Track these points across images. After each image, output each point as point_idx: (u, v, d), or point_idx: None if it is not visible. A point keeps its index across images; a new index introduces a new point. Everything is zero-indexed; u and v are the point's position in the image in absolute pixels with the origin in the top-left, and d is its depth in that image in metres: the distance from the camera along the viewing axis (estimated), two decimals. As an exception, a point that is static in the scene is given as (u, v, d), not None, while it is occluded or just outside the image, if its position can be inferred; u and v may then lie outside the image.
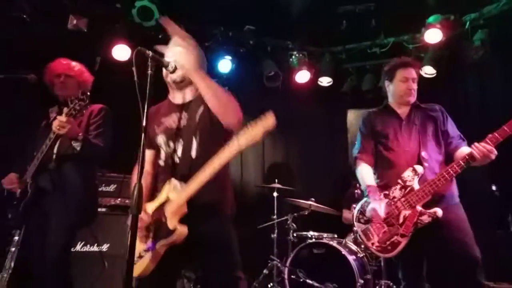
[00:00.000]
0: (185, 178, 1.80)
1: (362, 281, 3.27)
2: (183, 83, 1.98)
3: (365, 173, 2.45)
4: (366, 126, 2.57)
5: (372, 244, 2.36)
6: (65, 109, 2.27)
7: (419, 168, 2.28)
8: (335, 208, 4.17)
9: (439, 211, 2.18)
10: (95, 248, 3.14)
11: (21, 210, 2.41)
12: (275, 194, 4.23)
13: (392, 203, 2.31)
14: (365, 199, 2.47)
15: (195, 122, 1.92)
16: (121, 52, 3.98)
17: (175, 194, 1.79)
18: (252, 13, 4.45)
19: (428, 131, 2.40)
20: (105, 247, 3.16)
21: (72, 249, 3.07)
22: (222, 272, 1.82)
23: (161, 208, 1.83)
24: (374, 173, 2.48)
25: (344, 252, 3.36)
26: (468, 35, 4.18)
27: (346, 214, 4.27)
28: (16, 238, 2.61)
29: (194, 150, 1.88)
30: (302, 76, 4.83)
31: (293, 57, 4.84)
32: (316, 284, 3.35)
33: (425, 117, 2.45)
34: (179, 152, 1.89)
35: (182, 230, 1.75)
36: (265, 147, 5.29)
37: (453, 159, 2.34)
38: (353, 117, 5.43)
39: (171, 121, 1.96)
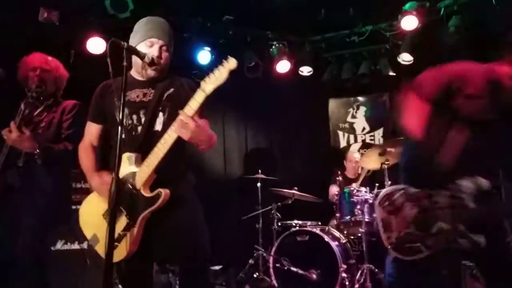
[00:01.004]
0: (146, 149, 1.81)
1: (345, 266, 3.33)
2: (158, 77, 1.98)
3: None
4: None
5: (388, 237, 1.99)
6: (23, 105, 2.26)
7: (484, 183, 1.80)
8: (318, 195, 4.22)
9: (483, 242, 1.76)
10: (76, 246, 3.10)
11: None
12: (258, 184, 4.26)
13: (433, 208, 1.89)
14: (399, 186, 2.05)
15: (162, 99, 1.93)
16: (96, 45, 3.88)
17: (136, 166, 1.81)
18: (230, 3, 4.40)
19: None
20: (86, 244, 3.11)
21: (53, 248, 3.05)
22: (185, 233, 1.82)
23: (124, 182, 1.81)
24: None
25: (327, 238, 3.42)
26: (443, 21, 4.26)
27: (333, 189, 4.25)
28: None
29: (160, 124, 1.90)
30: (283, 66, 4.83)
31: (273, 47, 4.82)
32: (300, 271, 3.40)
33: None
34: (142, 124, 1.89)
35: (166, 192, 1.76)
36: (248, 138, 5.30)
37: None
38: (334, 105, 5.48)
39: (134, 95, 1.95)
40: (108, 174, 1.84)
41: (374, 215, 2.26)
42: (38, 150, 2.28)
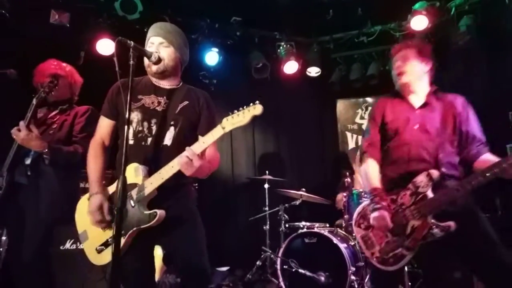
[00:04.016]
0: (153, 163, 1.81)
1: (354, 269, 3.28)
2: (165, 73, 1.99)
3: (372, 172, 2.15)
4: (376, 114, 2.25)
5: (372, 254, 2.08)
6: (34, 100, 2.33)
7: (434, 174, 1.97)
8: (326, 197, 4.19)
9: (452, 225, 1.90)
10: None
11: None
12: (266, 185, 4.24)
13: (400, 210, 2.02)
14: (366, 202, 2.21)
15: (175, 111, 1.94)
16: (105, 46, 3.92)
17: (140, 178, 1.79)
18: (238, 4, 4.40)
19: (448, 129, 2.09)
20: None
21: (62, 247, 3.07)
22: (190, 250, 1.82)
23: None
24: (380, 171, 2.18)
25: (335, 240, 3.37)
26: (453, 21, 4.20)
27: (340, 197, 4.26)
28: (4, 238, 2.57)
29: (170, 139, 1.89)
30: (290, 67, 4.82)
31: (281, 48, 4.81)
32: (308, 273, 3.36)
33: (445, 110, 2.12)
34: (153, 135, 1.89)
35: (162, 214, 1.75)
36: (255, 139, 5.29)
37: (470, 165, 2.08)
38: (342, 106, 5.44)
39: (149, 101, 1.96)
40: (108, 211, 1.81)
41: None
42: (46, 150, 2.29)
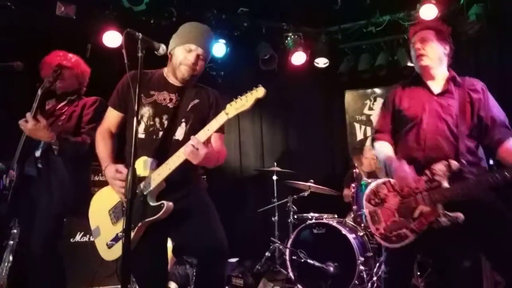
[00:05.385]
0: (163, 157, 1.81)
1: (362, 259, 3.29)
2: (192, 80, 2.00)
3: (385, 148, 2.18)
4: (388, 101, 2.25)
5: (377, 229, 2.12)
6: (40, 91, 2.31)
7: (453, 165, 1.94)
8: (335, 188, 4.18)
9: (461, 217, 1.90)
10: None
11: (9, 199, 2.34)
12: (274, 177, 4.24)
13: (412, 193, 2.02)
14: (379, 180, 2.21)
15: (186, 109, 1.94)
16: (112, 38, 3.90)
17: (148, 171, 1.80)
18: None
19: (466, 116, 2.04)
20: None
21: (72, 240, 3.11)
22: (203, 230, 1.83)
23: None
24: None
25: (344, 231, 3.38)
26: (463, 10, 4.13)
27: (346, 191, 4.30)
28: (15, 231, 2.58)
29: (181, 134, 1.91)
30: (298, 58, 4.77)
31: (289, 38, 4.76)
32: (317, 264, 3.37)
33: (463, 96, 2.07)
34: (164, 129, 1.89)
35: (169, 205, 1.76)
36: (263, 131, 5.29)
37: (493, 152, 2.05)
38: (350, 97, 5.39)
39: (161, 97, 1.96)
40: (124, 167, 1.83)
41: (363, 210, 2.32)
42: (54, 140, 2.29)
